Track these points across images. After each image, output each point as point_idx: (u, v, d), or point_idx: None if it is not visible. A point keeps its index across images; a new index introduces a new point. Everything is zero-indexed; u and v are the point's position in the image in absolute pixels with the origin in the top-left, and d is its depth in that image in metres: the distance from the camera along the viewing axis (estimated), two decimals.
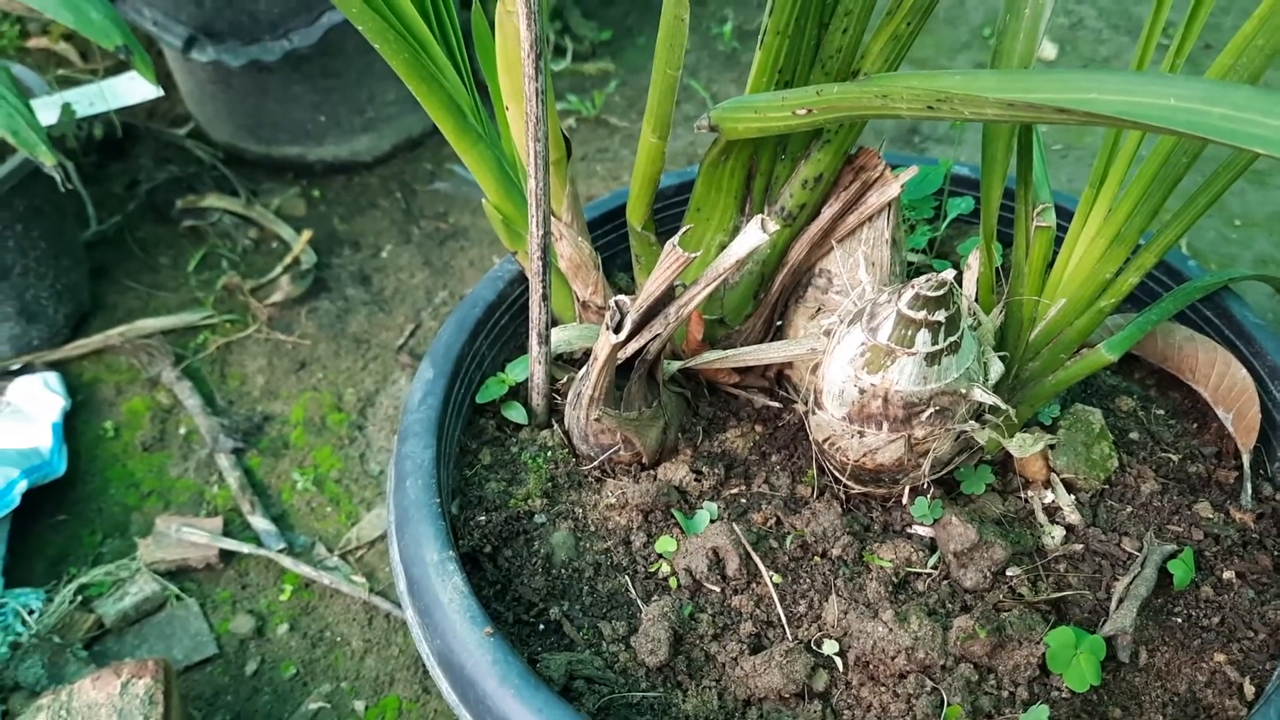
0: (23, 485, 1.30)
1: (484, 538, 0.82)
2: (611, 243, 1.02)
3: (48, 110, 1.37)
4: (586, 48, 2.12)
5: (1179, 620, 0.79)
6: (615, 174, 1.89)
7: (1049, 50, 2.11)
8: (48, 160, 1.23)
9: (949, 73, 0.65)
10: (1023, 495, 0.87)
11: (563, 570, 0.81)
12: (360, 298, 1.68)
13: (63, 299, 1.53)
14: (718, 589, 0.81)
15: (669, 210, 1.03)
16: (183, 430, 1.49)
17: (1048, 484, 0.87)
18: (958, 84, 0.61)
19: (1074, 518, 0.85)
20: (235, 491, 1.41)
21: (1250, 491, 0.86)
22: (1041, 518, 0.85)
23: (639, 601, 0.80)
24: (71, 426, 1.48)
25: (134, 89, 1.41)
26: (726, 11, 2.23)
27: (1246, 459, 0.88)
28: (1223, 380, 0.90)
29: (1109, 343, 0.83)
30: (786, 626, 0.78)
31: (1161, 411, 0.94)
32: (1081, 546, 0.84)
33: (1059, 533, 0.84)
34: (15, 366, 1.51)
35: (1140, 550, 0.83)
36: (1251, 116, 0.47)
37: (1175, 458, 0.90)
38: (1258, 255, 1.64)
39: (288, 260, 1.70)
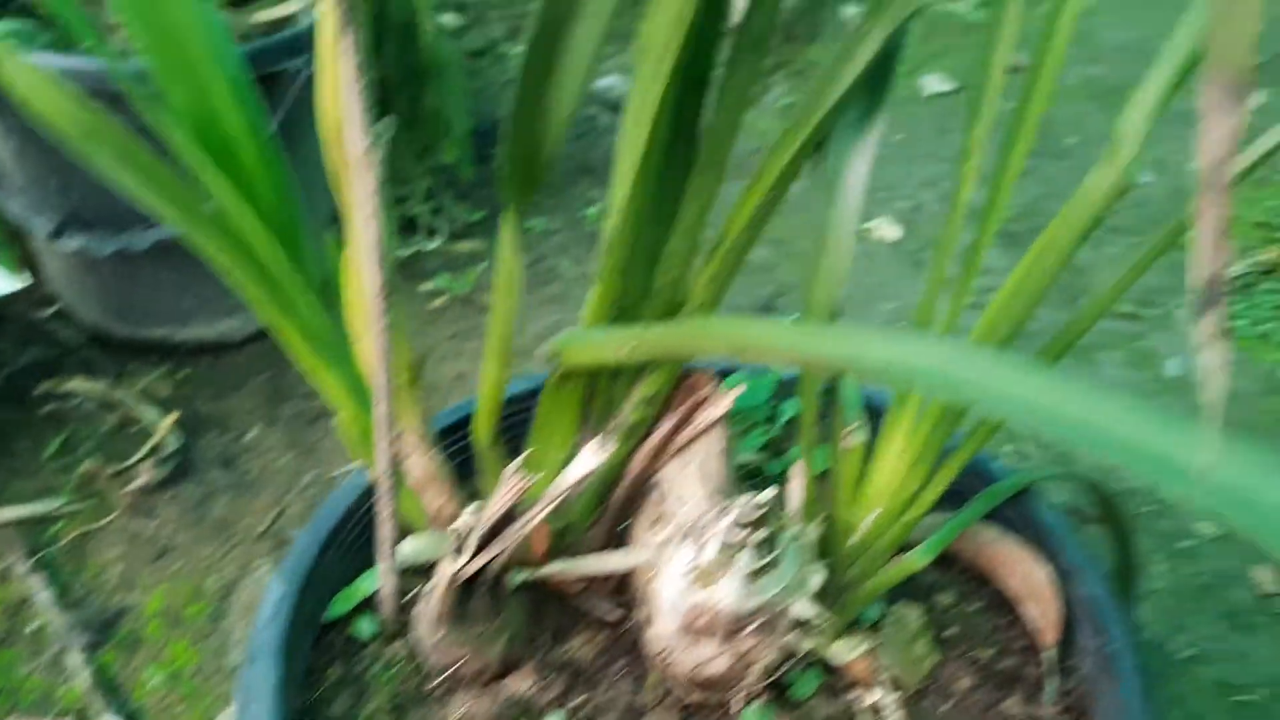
0: None
1: None
2: (465, 448, 1.06)
3: None
4: (460, 227, 2.20)
5: None
6: (482, 353, 1.94)
7: (894, 232, 2.27)
8: None
9: (753, 322, 0.72)
10: (850, 696, 0.92)
11: None
12: (224, 481, 1.67)
13: None
14: None
15: (521, 415, 1.08)
16: (33, 625, 1.45)
17: (871, 684, 0.93)
18: (755, 335, 0.69)
19: (896, 717, 0.91)
20: (85, 691, 1.37)
21: (1055, 687, 0.93)
22: (867, 718, 0.90)
23: None
24: None
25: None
26: (593, 194, 2.35)
27: (1050, 654, 0.95)
28: (1027, 578, 0.98)
29: (921, 549, 0.90)
30: None
31: (979, 604, 1.01)
32: None
33: None
34: None
35: None
36: (986, 382, 0.54)
37: (989, 653, 0.96)
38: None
39: (151, 443, 1.69)
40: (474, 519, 0.83)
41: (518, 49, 2.81)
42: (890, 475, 0.87)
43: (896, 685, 0.93)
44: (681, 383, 0.93)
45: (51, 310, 1.91)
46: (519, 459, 0.82)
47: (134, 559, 1.55)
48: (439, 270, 2.11)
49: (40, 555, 1.53)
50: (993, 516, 1.04)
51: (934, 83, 2.81)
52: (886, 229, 2.27)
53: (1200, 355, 0.41)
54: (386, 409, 0.83)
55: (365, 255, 0.77)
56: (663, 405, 0.93)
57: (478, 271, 2.11)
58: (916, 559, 0.90)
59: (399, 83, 1.95)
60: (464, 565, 0.81)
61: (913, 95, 2.80)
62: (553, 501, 0.83)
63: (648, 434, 0.94)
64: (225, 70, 0.83)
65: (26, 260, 1.95)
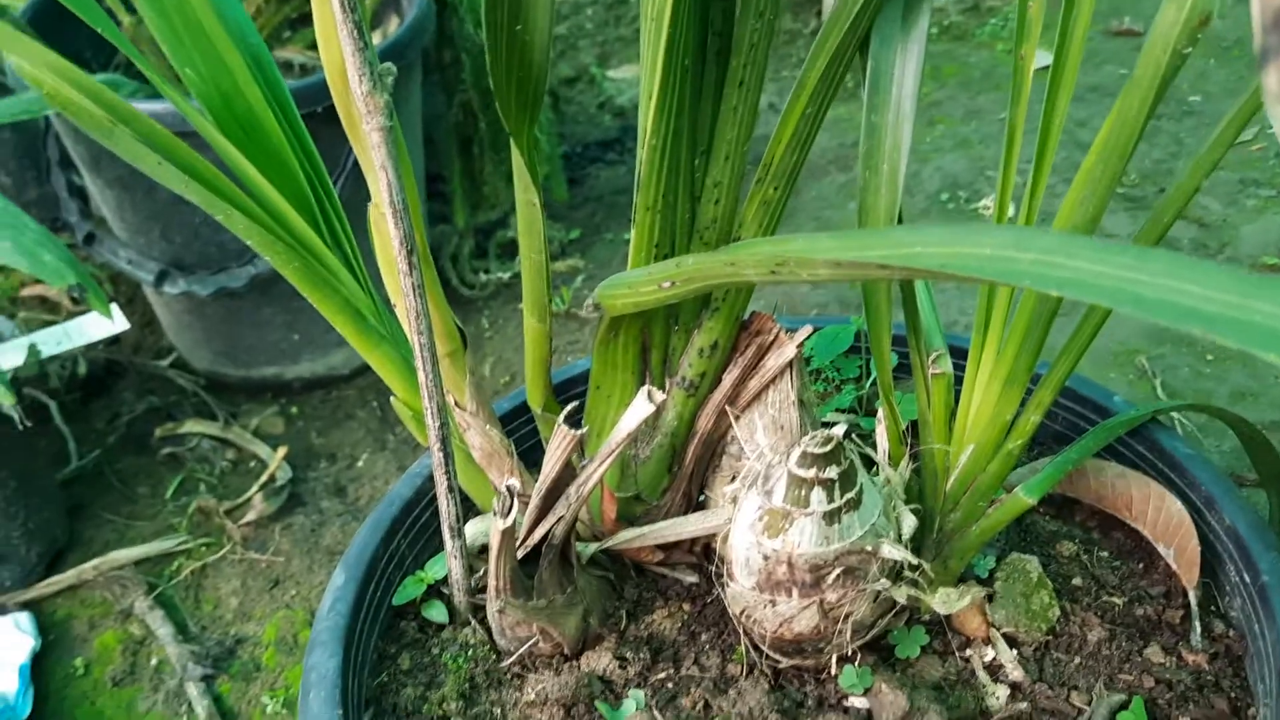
0: None
1: None
2: (533, 431, 1.01)
3: (14, 353, 1.42)
4: (556, 247, 2.18)
5: None
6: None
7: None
8: (6, 401, 1.26)
9: (793, 237, 0.66)
10: (963, 655, 0.83)
11: None
12: (335, 509, 1.67)
13: (35, 537, 1.54)
14: None
15: (584, 391, 1.03)
16: (154, 661, 1.47)
17: (988, 640, 0.83)
18: (796, 248, 0.62)
19: (1017, 674, 0.81)
20: None
21: (1200, 631, 0.82)
22: (983, 677, 0.81)
23: None
24: (42, 667, 1.46)
25: (98, 326, 1.45)
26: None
27: (1193, 596, 0.84)
28: (1159, 515, 0.86)
29: (1028, 485, 0.81)
30: None
31: (1105, 554, 0.90)
32: (1027, 705, 0.79)
33: (1003, 692, 0.80)
34: None
35: (1090, 704, 0.78)
36: (1056, 259, 0.46)
37: (1121, 601, 0.85)
38: (1234, 388, 1.61)
39: (263, 478, 1.71)
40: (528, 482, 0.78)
41: (609, 73, 2.80)
42: (982, 401, 0.78)
43: (1015, 641, 0.83)
44: (744, 330, 0.87)
45: (168, 360, 1.96)
46: (567, 409, 0.77)
47: (249, 590, 1.56)
48: None
49: (159, 592, 1.55)
50: (1118, 457, 0.94)
51: (1040, 58, 2.67)
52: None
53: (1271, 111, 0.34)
54: (429, 373, 0.80)
55: (385, 206, 0.74)
56: (726, 356, 0.87)
57: (574, 288, 2.08)
58: (1023, 496, 0.80)
59: (481, 105, 1.95)
60: (514, 527, 0.75)
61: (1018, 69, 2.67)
62: (609, 456, 0.77)
63: (714, 387, 0.87)
64: (243, 44, 0.82)
65: (145, 315, 2.02)
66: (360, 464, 1.77)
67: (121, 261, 1.73)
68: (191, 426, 1.81)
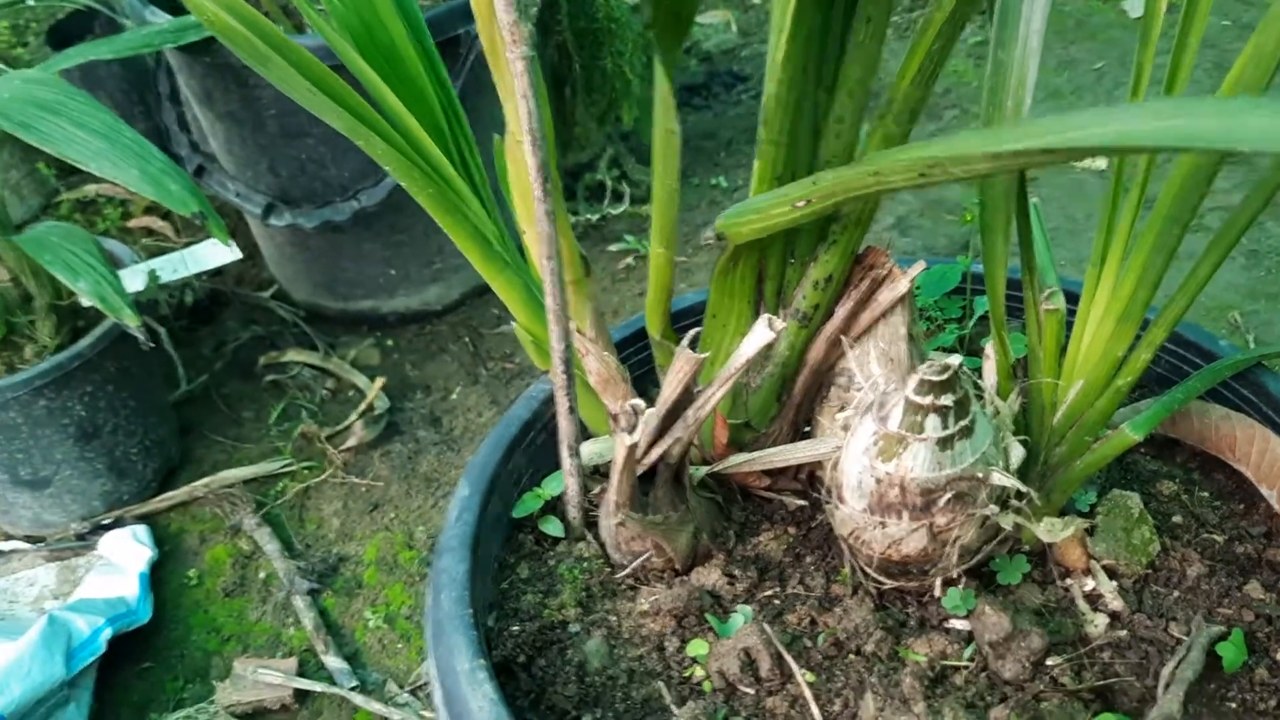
0: (108, 633, 1.35)
1: (517, 648, 0.83)
2: (645, 359, 1.05)
3: (136, 278, 1.48)
4: (643, 191, 2.21)
5: (1233, 705, 0.76)
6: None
7: (1103, 161, 2.12)
8: (132, 322, 1.32)
9: (936, 141, 0.66)
10: (1063, 584, 0.85)
11: (596, 678, 0.82)
12: (431, 439, 1.73)
13: (151, 455, 1.62)
14: (752, 691, 0.80)
15: (698, 324, 1.07)
16: (262, 575, 1.54)
17: (1088, 571, 0.85)
18: (945, 148, 0.63)
19: (1117, 604, 0.83)
20: (310, 632, 1.44)
21: None
22: (1083, 606, 0.83)
23: (673, 707, 0.80)
24: (158, 576, 1.54)
25: (214, 254, 1.51)
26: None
27: None
28: (1264, 457, 0.88)
29: (1133, 422, 0.82)
30: None
31: (1206, 494, 0.92)
32: (1126, 633, 0.81)
33: (1102, 620, 0.82)
34: (107, 521, 1.59)
35: (1189, 635, 0.80)
36: (1239, 116, 0.43)
37: (1221, 539, 0.87)
38: None
39: (362, 407, 1.77)
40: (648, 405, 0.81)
41: (697, 18, 2.80)
42: (1095, 337, 0.80)
43: (1115, 573, 0.85)
44: (858, 265, 0.89)
45: (270, 291, 2.03)
46: (689, 334, 0.80)
47: (350, 512, 1.62)
48: (625, 232, 2.12)
49: (266, 510, 1.63)
50: (1222, 401, 0.95)
51: (1138, 7, 2.62)
52: (1097, 159, 2.13)
53: None
54: (556, 298, 0.83)
55: (523, 133, 0.77)
56: (839, 290, 0.89)
57: None
58: (1129, 432, 0.82)
59: (576, 46, 1.98)
60: (639, 444, 0.79)
61: (1119, 20, 2.63)
62: (727, 381, 0.80)
63: (826, 319, 0.90)
64: None
65: (247, 247, 2.09)
66: (454, 396, 1.82)
67: (230, 194, 1.79)
68: (293, 355, 1.88)
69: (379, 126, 0.84)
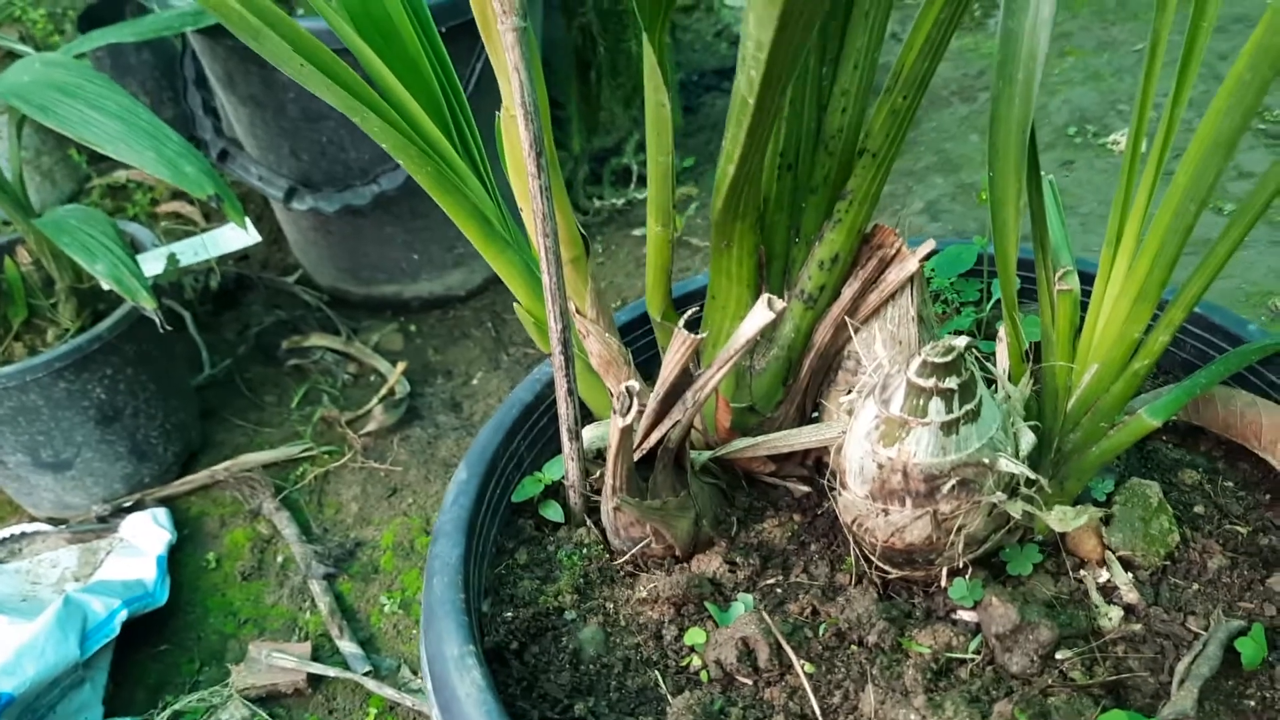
0: (123, 614, 1.35)
1: (510, 634, 0.81)
2: (652, 343, 1.03)
3: (155, 261, 1.49)
4: None
5: (1252, 703, 0.73)
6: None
7: None
8: (148, 305, 1.32)
9: None
10: (1076, 576, 0.82)
11: (591, 666, 0.80)
12: (450, 424, 1.72)
13: (172, 438, 1.63)
14: (749, 681, 0.78)
15: (701, 307, 1.04)
16: (280, 559, 1.54)
17: (1103, 562, 0.82)
18: None
19: (1132, 597, 0.80)
20: (325, 616, 1.44)
21: None
22: (1096, 598, 0.80)
23: (668, 696, 0.78)
24: (177, 559, 1.55)
25: (233, 237, 1.51)
26: None
27: None
28: None
29: (1151, 407, 0.79)
30: (820, 718, 0.75)
31: (1230, 484, 0.88)
32: (1141, 627, 0.78)
33: (1116, 613, 0.79)
34: (128, 504, 1.60)
35: (1207, 630, 0.77)
36: None
37: (1245, 530, 0.83)
38: None
39: (383, 391, 1.77)
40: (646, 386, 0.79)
41: (728, 0, 2.77)
42: (1110, 318, 0.77)
43: (1131, 565, 0.82)
44: (865, 244, 0.86)
45: (295, 276, 2.04)
46: (686, 314, 0.78)
47: (369, 496, 1.62)
48: None
49: (285, 494, 1.63)
50: (1248, 387, 0.91)
51: None
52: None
53: None
54: (553, 276, 0.81)
55: (516, 107, 0.75)
56: (846, 270, 0.87)
57: (687, 215, 2.08)
58: (1147, 418, 0.79)
59: (600, 29, 1.95)
60: (633, 426, 0.77)
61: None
62: (726, 362, 0.78)
63: (833, 300, 0.87)
64: None
65: (272, 232, 2.09)
66: (475, 382, 1.81)
67: (253, 178, 1.79)
68: (316, 340, 1.88)
69: (374, 103, 0.82)
